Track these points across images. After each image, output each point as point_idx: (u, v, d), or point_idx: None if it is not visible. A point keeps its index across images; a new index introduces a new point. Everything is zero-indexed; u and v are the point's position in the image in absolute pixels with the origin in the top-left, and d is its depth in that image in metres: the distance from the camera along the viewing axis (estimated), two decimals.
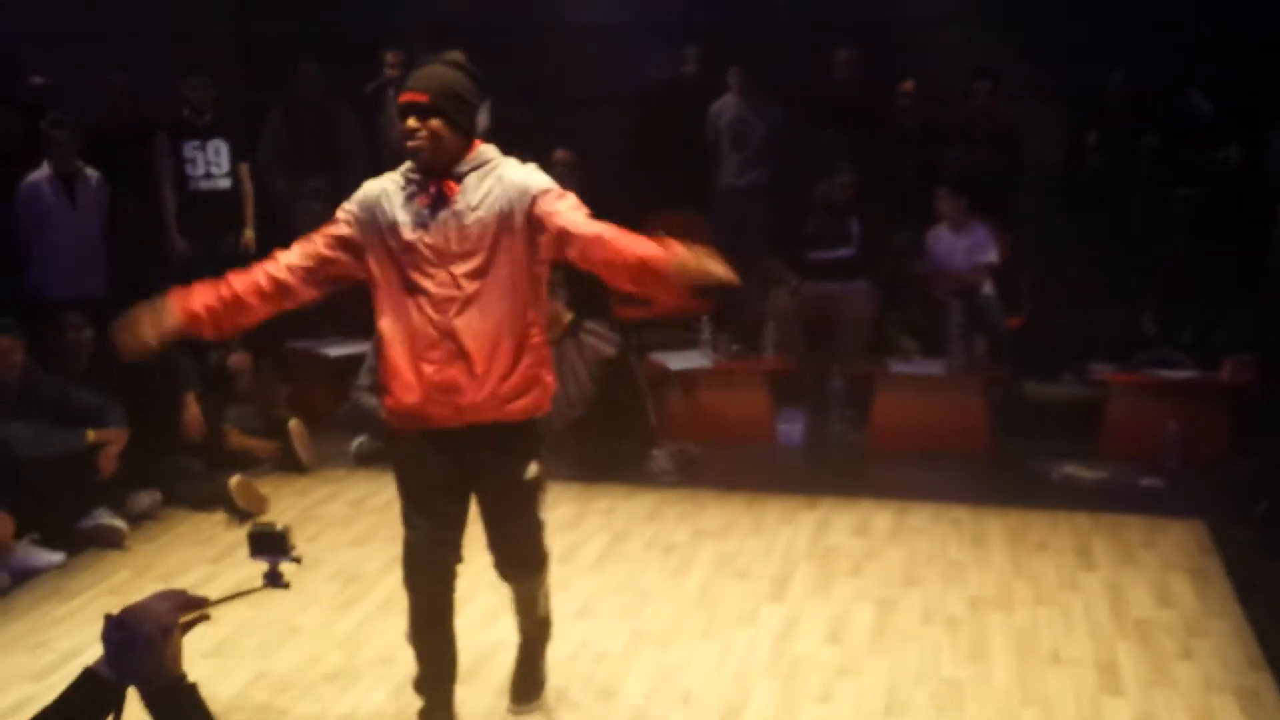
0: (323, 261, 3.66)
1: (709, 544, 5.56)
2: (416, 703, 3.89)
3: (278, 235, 8.00)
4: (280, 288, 3.65)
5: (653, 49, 9.17)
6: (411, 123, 3.48)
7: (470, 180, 3.53)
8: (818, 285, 7.49)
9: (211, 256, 8.00)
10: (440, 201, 3.52)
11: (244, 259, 7.99)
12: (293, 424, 6.68)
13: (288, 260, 3.68)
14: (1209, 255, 7.82)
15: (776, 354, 7.26)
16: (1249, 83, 7.79)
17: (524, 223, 3.52)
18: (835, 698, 4.14)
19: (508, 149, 3.70)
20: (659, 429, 6.72)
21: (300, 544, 2.42)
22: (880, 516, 5.89)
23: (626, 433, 6.53)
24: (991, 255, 7.49)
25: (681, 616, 4.80)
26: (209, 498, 6.04)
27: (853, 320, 7.40)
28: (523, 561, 3.87)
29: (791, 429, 7.10)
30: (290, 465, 6.64)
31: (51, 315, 6.30)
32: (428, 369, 3.55)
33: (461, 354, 3.53)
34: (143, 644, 2.05)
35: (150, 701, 2.05)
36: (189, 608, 2.18)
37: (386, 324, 3.61)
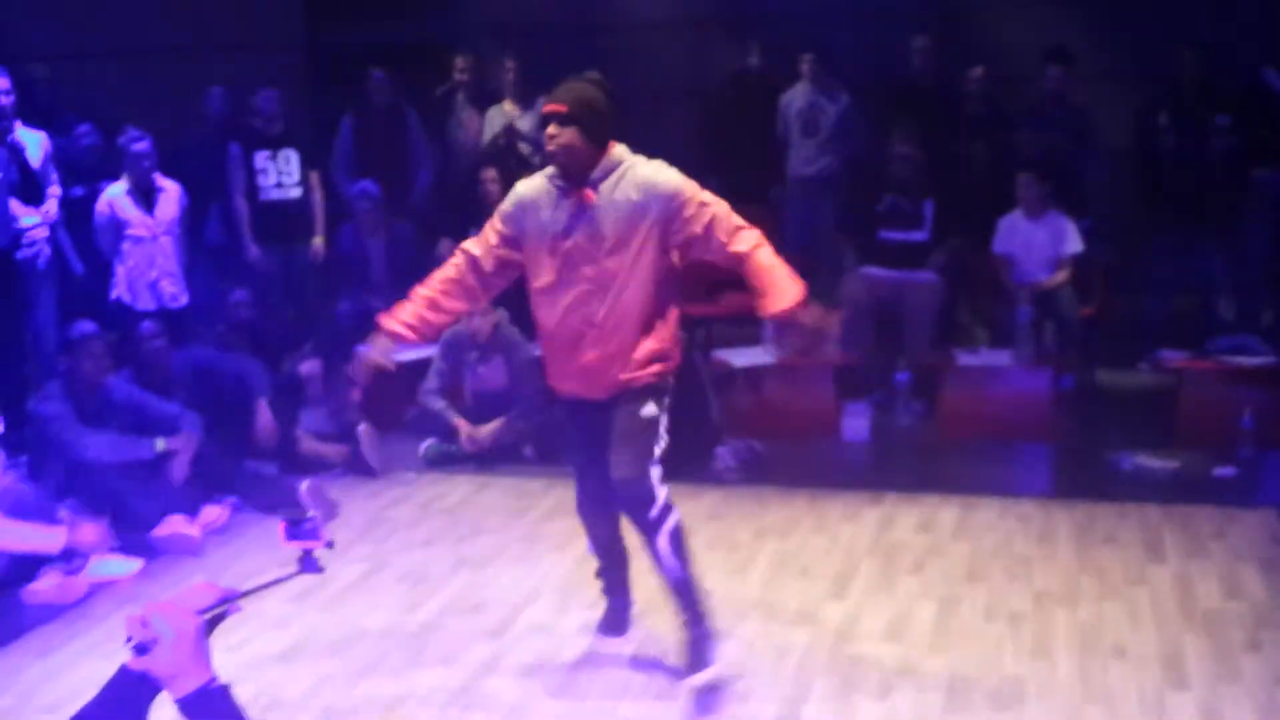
0: (495, 258, 4.18)
1: (771, 543, 5.56)
2: (481, 708, 4.07)
3: (347, 241, 8.17)
4: (464, 288, 4.23)
5: (716, 42, 9.18)
6: (551, 129, 3.94)
7: (605, 186, 3.96)
8: (884, 273, 7.46)
9: (285, 265, 8.17)
10: (580, 207, 3.96)
11: (315, 267, 8.19)
12: (362, 428, 6.78)
13: (469, 255, 4.21)
14: None
15: (843, 349, 7.22)
16: None
17: (661, 222, 3.95)
18: (894, 695, 4.13)
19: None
20: (723, 426, 6.73)
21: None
22: (945, 512, 5.85)
23: (691, 431, 6.53)
24: (1076, 245, 7.38)
25: (741, 614, 4.81)
26: (282, 502, 6.13)
27: (917, 313, 7.35)
28: (632, 491, 4.10)
29: (857, 424, 7.07)
30: (360, 469, 6.73)
31: (132, 325, 6.48)
32: (576, 357, 4.08)
33: (603, 342, 4.03)
34: (167, 643, 2.07)
35: (181, 705, 2.08)
36: (219, 602, 2.20)
37: (540, 315, 4.13)
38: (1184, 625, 4.56)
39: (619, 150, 4.03)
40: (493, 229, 4.17)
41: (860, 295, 7.41)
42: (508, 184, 8.10)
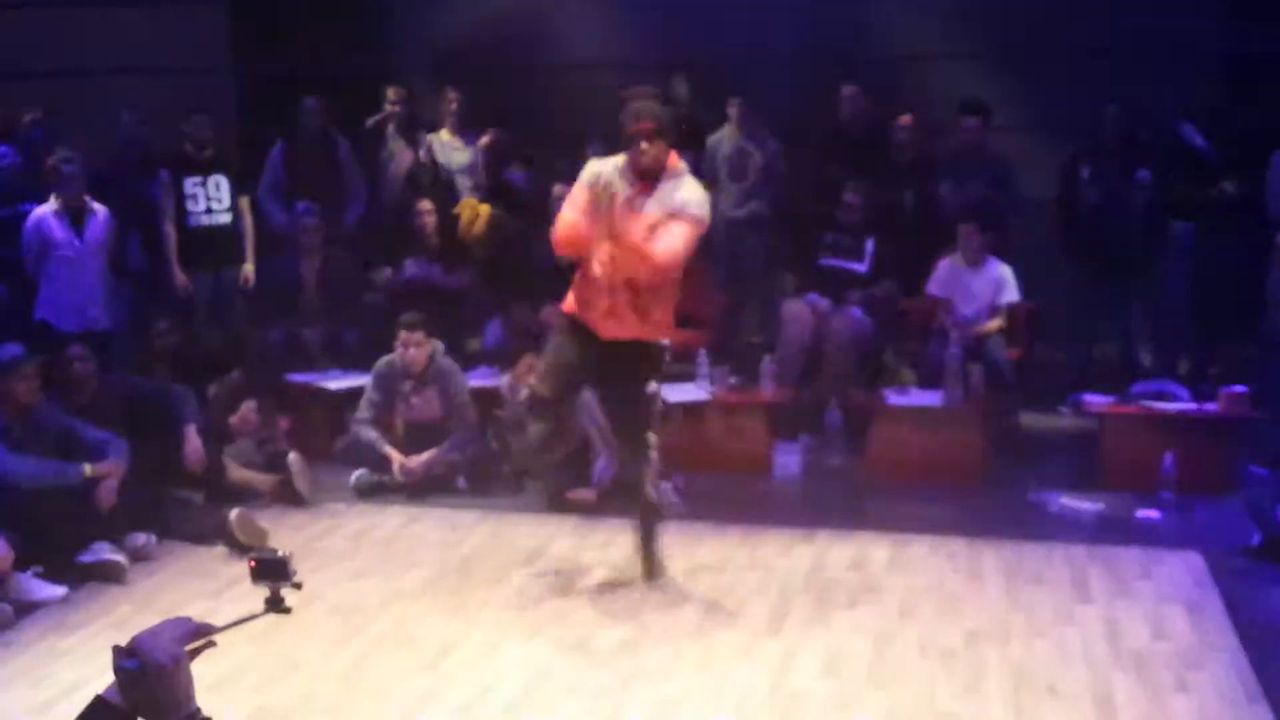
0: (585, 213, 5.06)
1: (706, 578, 5.57)
2: None
3: (277, 267, 8.11)
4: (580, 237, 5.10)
5: (647, 81, 9.23)
6: (643, 146, 4.91)
7: (662, 188, 4.96)
8: (814, 301, 7.60)
9: (212, 290, 8.08)
10: (638, 197, 4.97)
11: (244, 293, 8.11)
12: (292, 458, 6.70)
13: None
14: (1204, 288, 7.87)
15: (776, 386, 7.29)
16: (1243, 117, 7.84)
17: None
18: None
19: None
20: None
21: (300, 578, 2.47)
22: (877, 549, 5.91)
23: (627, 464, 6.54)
24: (1013, 294, 7.52)
25: (679, 650, 4.82)
26: (209, 531, 6.06)
27: (840, 344, 7.46)
28: (631, 436, 5.29)
29: (789, 460, 7.12)
30: (290, 499, 6.64)
31: (57, 347, 6.36)
32: (604, 302, 5.09)
33: (627, 297, 5.05)
34: (153, 673, 2.04)
35: None
36: (196, 635, 2.18)
37: (588, 267, 5.13)
38: (1114, 664, 4.64)
39: (680, 164, 5.05)
40: (580, 188, 5.09)
41: (797, 329, 7.51)
42: (442, 214, 8.21)
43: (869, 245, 7.78)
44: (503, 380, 7.03)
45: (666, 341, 5.30)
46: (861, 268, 7.78)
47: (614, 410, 5.51)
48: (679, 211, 4.92)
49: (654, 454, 5.31)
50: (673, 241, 4.90)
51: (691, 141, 8.67)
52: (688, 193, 4.98)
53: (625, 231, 4.93)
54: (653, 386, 5.22)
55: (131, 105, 8.77)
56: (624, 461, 5.50)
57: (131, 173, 8.38)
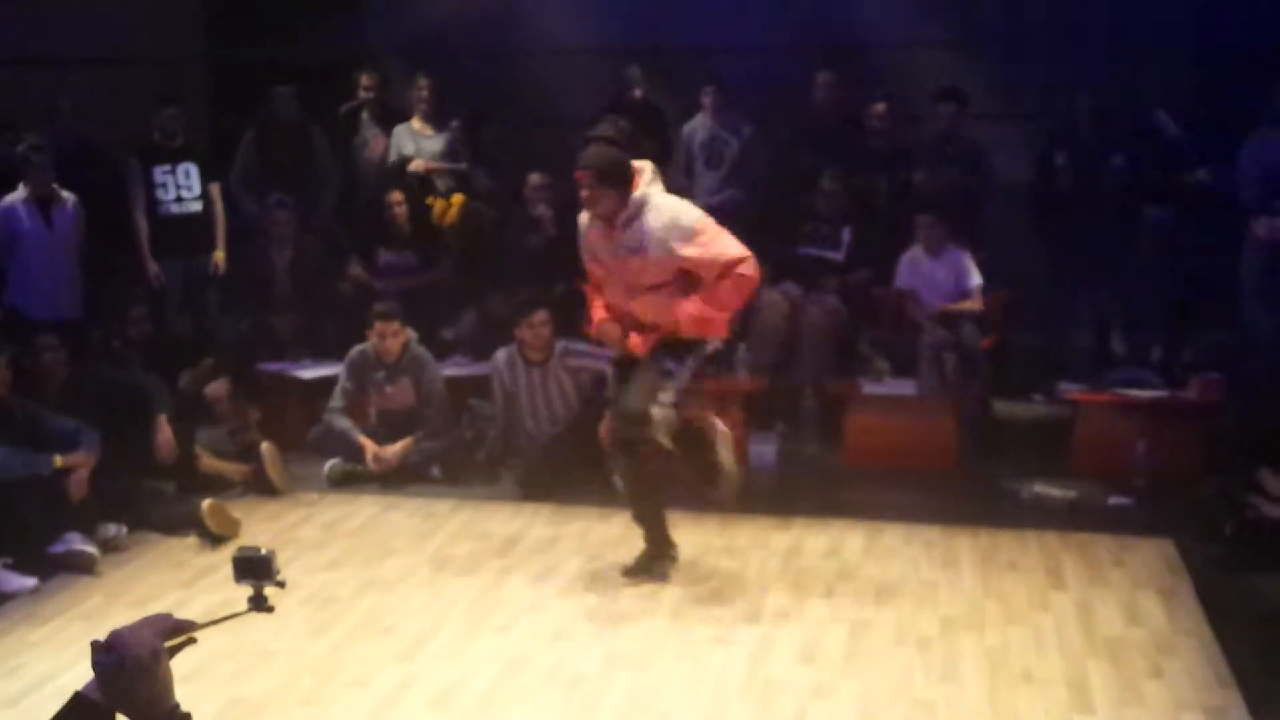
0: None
1: (682, 566, 5.56)
2: None
3: (250, 256, 8.05)
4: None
5: (622, 70, 9.20)
6: (584, 192, 4.97)
7: (631, 227, 4.93)
8: (787, 290, 7.59)
9: (183, 279, 8.03)
10: (610, 241, 5.03)
11: (214, 280, 8.05)
12: (265, 447, 6.66)
13: None
14: (1177, 275, 7.91)
15: (750, 375, 7.28)
16: (1216, 103, 7.88)
17: (667, 253, 4.92)
18: (808, 718, 4.16)
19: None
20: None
21: (282, 576, 2.45)
22: (852, 537, 5.92)
23: (601, 454, 6.53)
24: (976, 278, 7.53)
25: (656, 638, 4.81)
26: (181, 521, 6.02)
27: (815, 331, 7.46)
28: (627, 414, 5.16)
29: (764, 450, 7.11)
30: (262, 488, 6.61)
31: (27, 336, 6.30)
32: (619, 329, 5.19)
33: (636, 324, 5.12)
34: (132, 668, 2.03)
35: None
36: (176, 632, 2.17)
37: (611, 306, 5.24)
38: (1088, 651, 4.66)
39: (639, 194, 4.95)
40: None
41: (770, 318, 7.50)
42: (413, 206, 8.16)
43: (845, 234, 7.81)
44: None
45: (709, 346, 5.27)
46: (838, 256, 7.80)
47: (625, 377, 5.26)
48: (681, 251, 4.89)
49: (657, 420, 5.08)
50: (733, 288, 4.97)
51: (652, 128, 8.68)
52: (660, 230, 4.90)
53: (624, 271, 5.01)
54: (667, 364, 5.09)
55: (114, 93, 8.67)
56: (617, 429, 5.33)
57: (97, 160, 8.27)
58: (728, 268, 4.93)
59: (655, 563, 5.48)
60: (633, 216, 4.95)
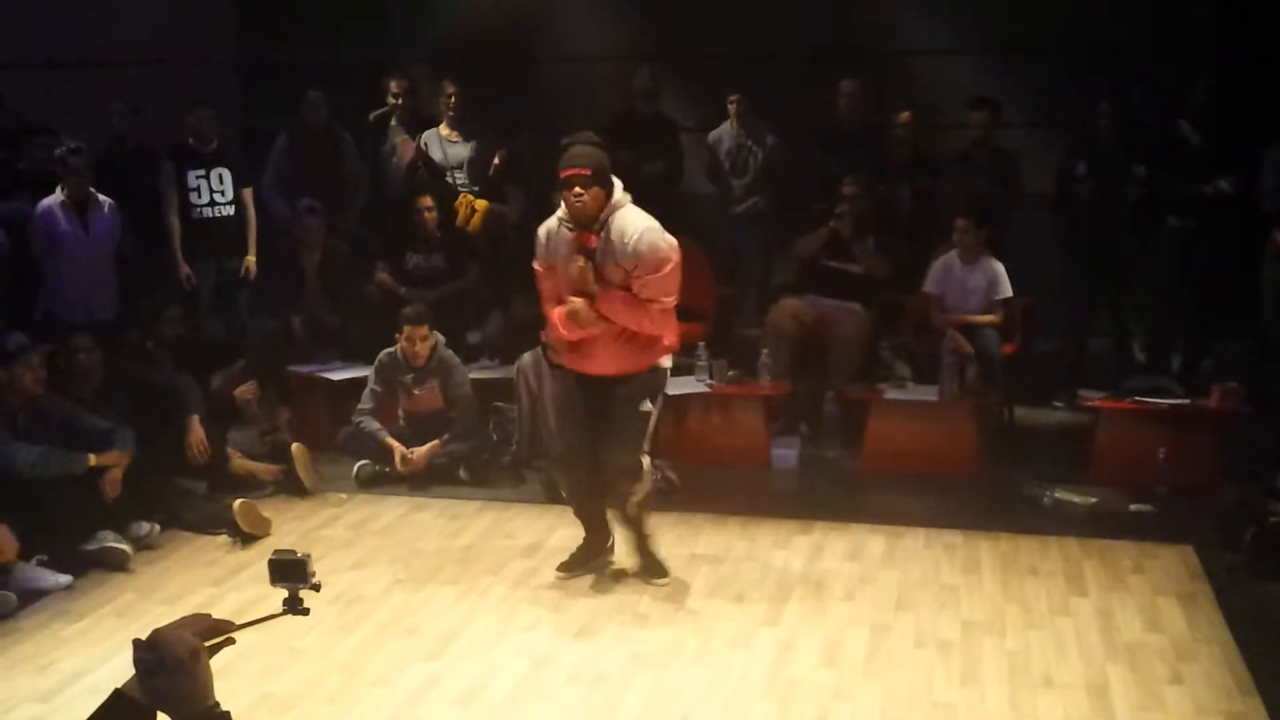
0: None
1: (704, 568, 5.63)
2: None
3: (279, 259, 8.14)
4: None
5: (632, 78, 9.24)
6: (577, 190, 4.99)
7: (605, 233, 5.03)
8: (814, 300, 7.62)
9: (215, 281, 8.12)
10: (583, 248, 5.07)
11: (245, 284, 8.14)
12: (295, 448, 6.75)
13: None
14: (1198, 283, 7.92)
15: (772, 379, 7.33)
16: (1238, 113, 7.89)
17: (630, 269, 5.06)
18: None
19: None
20: (656, 454, 6.77)
21: (318, 579, 2.49)
22: (873, 541, 5.97)
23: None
24: (1007, 290, 7.54)
25: (678, 639, 4.88)
26: (212, 520, 6.11)
27: (843, 341, 7.50)
28: (621, 454, 5.25)
29: (786, 454, 7.16)
30: (292, 489, 6.69)
31: (63, 338, 6.40)
32: (580, 345, 5.19)
33: (598, 339, 5.13)
34: (173, 667, 2.08)
35: None
36: (215, 631, 2.22)
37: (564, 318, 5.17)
38: (1108, 656, 4.70)
39: (615, 199, 5.08)
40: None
41: (786, 322, 7.55)
42: (443, 210, 8.22)
43: (869, 243, 7.79)
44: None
45: (667, 364, 5.37)
46: (859, 269, 7.75)
47: (605, 428, 5.31)
48: (638, 269, 5.01)
49: (646, 475, 5.34)
50: (652, 320, 5.11)
51: (664, 133, 8.70)
52: (636, 240, 5.01)
53: (583, 280, 5.05)
54: (646, 406, 5.28)
55: (123, 96, 8.76)
56: (612, 481, 5.33)
57: (132, 164, 8.37)
58: (658, 306, 5.12)
59: (594, 557, 5.62)
60: (607, 219, 5.07)
